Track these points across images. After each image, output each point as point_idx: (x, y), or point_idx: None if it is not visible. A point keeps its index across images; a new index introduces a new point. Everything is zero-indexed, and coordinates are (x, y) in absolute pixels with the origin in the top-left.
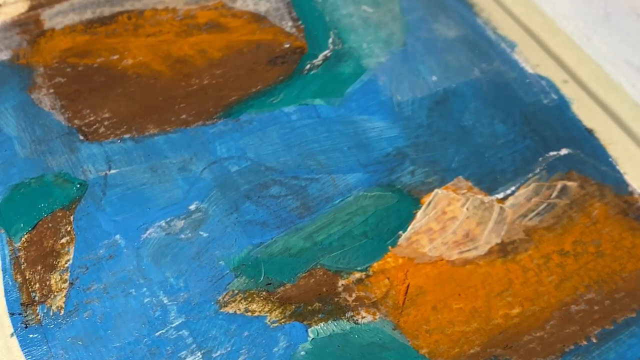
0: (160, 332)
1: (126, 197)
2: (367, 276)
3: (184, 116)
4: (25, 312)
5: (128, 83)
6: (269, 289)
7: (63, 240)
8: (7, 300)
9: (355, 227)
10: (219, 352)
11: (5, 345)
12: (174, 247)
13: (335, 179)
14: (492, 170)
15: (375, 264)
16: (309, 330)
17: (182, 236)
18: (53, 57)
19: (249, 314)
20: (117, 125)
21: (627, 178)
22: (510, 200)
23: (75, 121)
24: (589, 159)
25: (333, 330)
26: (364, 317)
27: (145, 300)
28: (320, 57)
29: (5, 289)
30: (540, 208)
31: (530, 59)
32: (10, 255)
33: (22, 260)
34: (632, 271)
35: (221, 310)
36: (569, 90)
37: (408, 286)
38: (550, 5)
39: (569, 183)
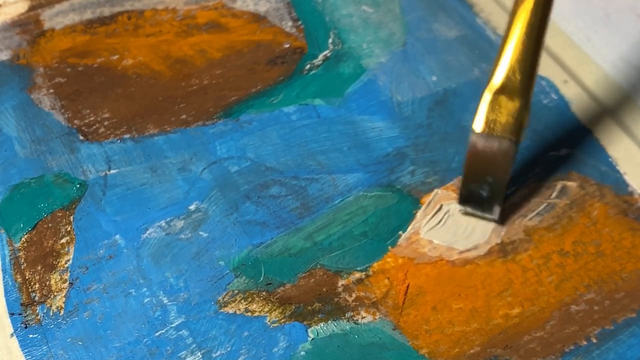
0: (160, 332)
1: (126, 197)
2: (367, 276)
3: (184, 116)
4: (25, 312)
5: (128, 83)
6: (269, 289)
7: (63, 240)
8: (7, 300)
9: (355, 227)
10: (218, 352)
11: (5, 345)
12: (174, 247)
13: (335, 179)
14: None
15: (375, 264)
16: (309, 330)
17: (182, 236)
18: (53, 57)
19: (249, 314)
20: (117, 125)
21: (627, 178)
22: (510, 200)
23: (75, 121)
24: (589, 159)
25: (333, 330)
26: (364, 317)
27: (145, 300)
28: (320, 57)
29: (5, 289)
30: (540, 208)
31: None
32: (10, 255)
33: (22, 260)
34: (632, 271)
35: (221, 310)
36: (569, 90)
37: (408, 286)
38: None
39: (569, 183)
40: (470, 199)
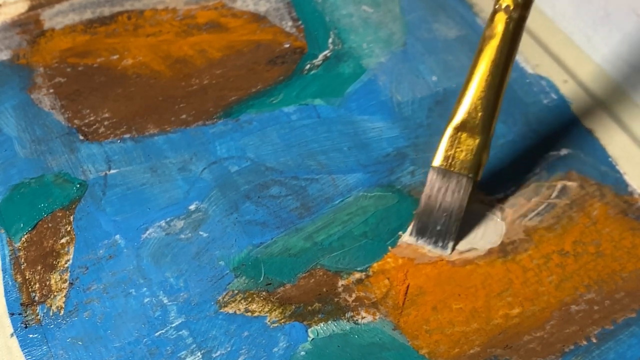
0: (160, 332)
1: (126, 197)
2: (367, 276)
3: (184, 116)
4: (25, 312)
5: (128, 83)
6: (269, 289)
7: (63, 240)
8: (7, 300)
9: (355, 227)
10: (218, 352)
11: (5, 345)
12: (174, 247)
13: (335, 179)
14: (492, 170)
15: (375, 264)
16: (309, 330)
17: (182, 236)
18: (53, 57)
19: (249, 314)
20: (117, 125)
21: (627, 178)
22: (510, 200)
23: (75, 121)
24: (589, 159)
25: (333, 331)
26: (364, 317)
27: (145, 300)
28: (320, 57)
29: (5, 289)
30: (540, 208)
31: (530, 59)
32: (10, 255)
33: (22, 260)
34: (632, 271)
35: (221, 310)
36: (569, 90)
37: (408, 286)
38: (550, 5)
39: (569, 183)
40: (424, 232)
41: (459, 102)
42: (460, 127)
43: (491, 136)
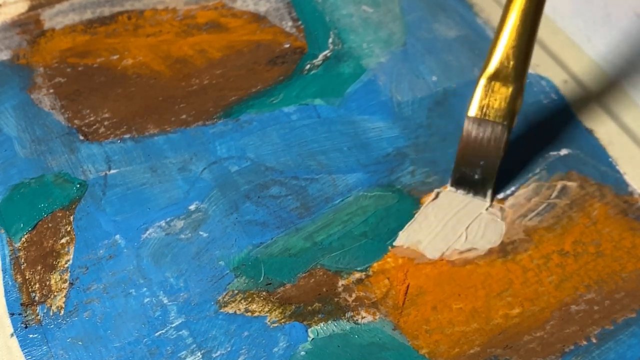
0: (160, 332)
1: (126, 197)
2: (367, 276)
3: (184, 116)
4: (25, 312)
5: (128, 83)
6: (269, 289)
7: (63, 240)
8: (7, 300)
9: (355, 227)
10: (219, 352)
11: (5, 345)
12: (174, 247)
13: (335, 179)
14: None
15: (375, 264)
16: (309, 330)
17: (182, 236)
18: (53, 57)
19: (249, 314)
20: (117, 125)
21: (627, 178)
22: (510, 200)
23: (75, 121)
24: (589, 159)
25: (333, 331)
26: (364, 317)
27: (145, 300)
28: (320, 57)
29: (5, 289)
30: (540, 208)
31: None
32: (10, 255)
33: (22, 260)
34: (632, 271)
35: (221, 310)
36: (569, 90)
37: (408, 286)
38: (550, 5)
39: (569, 183)
40: (463, 182)
41: (491, 52)
42: (494, 77)
43: (524, 84)
